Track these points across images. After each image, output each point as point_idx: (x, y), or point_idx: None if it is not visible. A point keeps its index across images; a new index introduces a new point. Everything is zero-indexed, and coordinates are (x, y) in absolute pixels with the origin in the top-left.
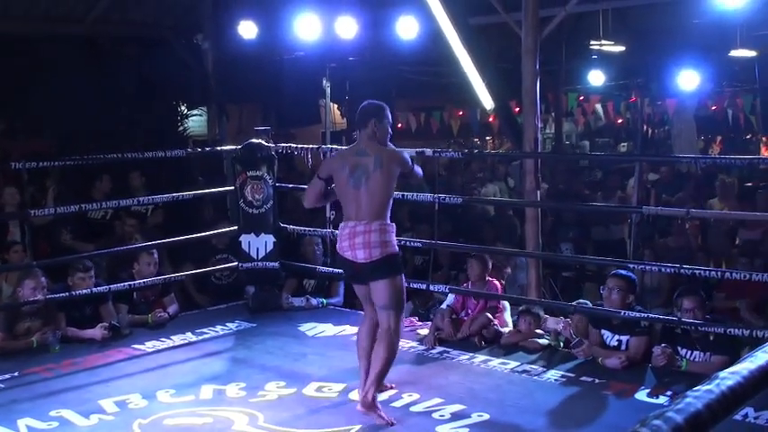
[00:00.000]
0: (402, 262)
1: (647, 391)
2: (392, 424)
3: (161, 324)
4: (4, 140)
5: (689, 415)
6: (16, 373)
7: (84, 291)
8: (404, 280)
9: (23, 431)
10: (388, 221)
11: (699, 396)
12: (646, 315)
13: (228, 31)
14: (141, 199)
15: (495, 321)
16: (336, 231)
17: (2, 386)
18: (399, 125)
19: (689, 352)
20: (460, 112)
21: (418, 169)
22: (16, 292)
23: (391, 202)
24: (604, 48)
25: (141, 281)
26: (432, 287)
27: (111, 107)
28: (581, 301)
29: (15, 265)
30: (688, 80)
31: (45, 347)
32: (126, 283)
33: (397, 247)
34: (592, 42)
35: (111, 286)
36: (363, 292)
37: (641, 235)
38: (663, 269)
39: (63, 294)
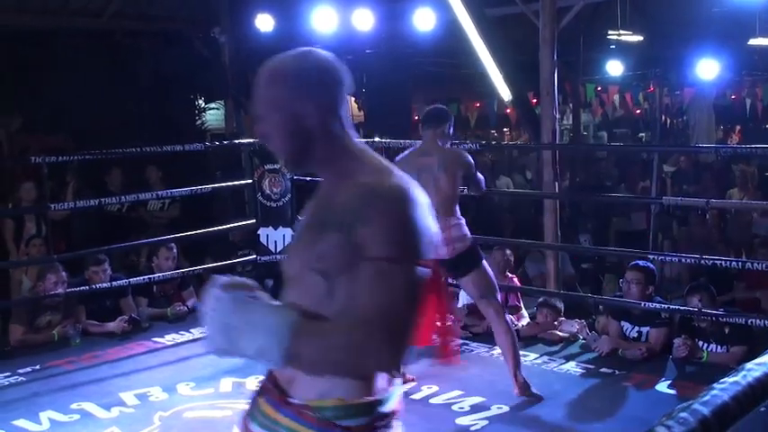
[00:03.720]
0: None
1: (668, 382)
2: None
3: (180, 317)
4: (23, 135)
5: (716, 407)
6: (38, 367)
7: (104, 284)
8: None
9: (46, 424)
10: (459, 216)
11: (725, 388)
12: (666, 306)
13: (245, 25)
14: (160, 192)
15: (517, 323)
16: None
17: (24, 379)
18: (416, 117)
19: (706, 344)
20: (477, 104)
21: (481, 178)
22: (37, 286)
23: (457, 199)
24: (622, 38)
25: (160, 274)
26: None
27: (129, 101)
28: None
29: (36, 259)
30: (707, 69)
31: (66, 341)
32: (145, 277)
33: (471, 238)
34: (610, 32)
35: (131, 280)
36: None
37: (661, 225)
38: (683, 260)
39: (83, 288)
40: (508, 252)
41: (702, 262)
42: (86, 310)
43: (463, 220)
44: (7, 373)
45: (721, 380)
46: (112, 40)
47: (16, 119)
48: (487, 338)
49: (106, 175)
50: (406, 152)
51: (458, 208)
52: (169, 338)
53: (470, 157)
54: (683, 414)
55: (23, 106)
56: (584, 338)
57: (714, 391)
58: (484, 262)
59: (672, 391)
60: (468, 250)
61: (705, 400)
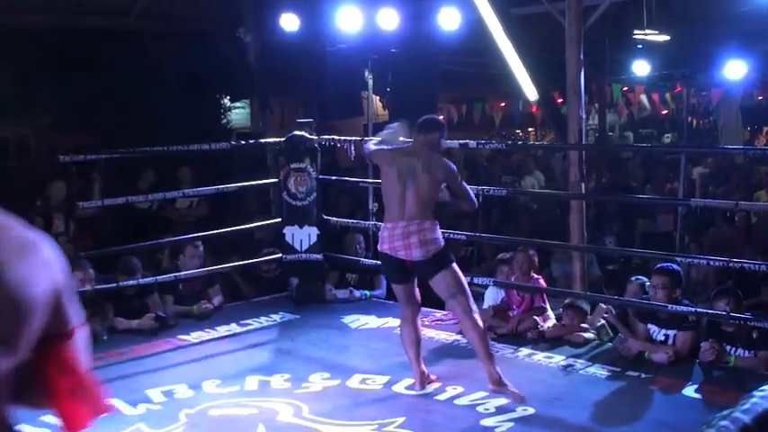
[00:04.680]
0: (449, 251)
1: (695, 386)
2: (523, 399)
3: (206, 315)
4: (50, 134)
5: (756, 415)
6: None
7: (131, 282)
8: (456, 267)
9: None
10: (434, 219)
11: (765, 396)
12: (693, 310)
13: (270, 24)
14: (186, 191)
15: (542, 324)
16: (380, 224)
17: None
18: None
19: (733, 349)
20: (502, 104)
21: (470, 193)
22: None
23: (434, 203)
24: (649, 37)
25: (187, 272)
26: (475, 280)
27: (155, 101)
28: (639, 276)
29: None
30: (734, 70)
31: (93, 337)
32: (172, 275)
33: (443, 241)
34: (636, 32)
35: (158, 278)
36: (406, 292)
37: (687, 227)
38: (711, 263)
39: (110, 285)
40: (531, 252)
41: (731, 265)
42: (114, 307)
43: (438, 225)
44: None
45: (761, 387)
46: (139, 40)
47: (44, 118)
48: (512, 340)
49: (141, 173)
50: (391, 147)
51: (431, 213)
52: (195, 336)
53: (454, 168)
54: (723, 422)
55: (51, 105)
56: (613, 323)
57: (754, 399)
58: (454, 264)
59: (699, 396)
60: (440, 252)
61: (746, 408)
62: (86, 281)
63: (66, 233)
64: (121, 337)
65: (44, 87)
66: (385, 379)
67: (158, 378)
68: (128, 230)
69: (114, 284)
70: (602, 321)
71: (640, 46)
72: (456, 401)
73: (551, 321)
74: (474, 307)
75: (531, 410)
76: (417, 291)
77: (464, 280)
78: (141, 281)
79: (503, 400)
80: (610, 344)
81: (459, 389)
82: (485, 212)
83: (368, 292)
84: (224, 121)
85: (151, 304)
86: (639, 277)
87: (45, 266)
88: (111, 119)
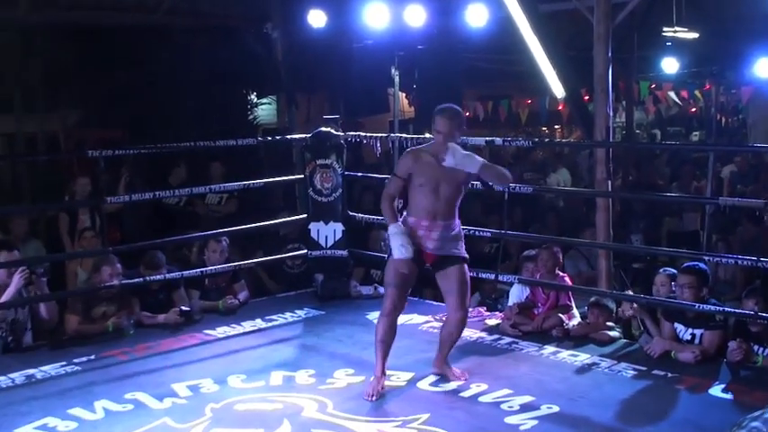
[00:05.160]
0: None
1: (722, 386)
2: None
3: (232, 310)
4: (79, 129)
5: None
6: (93, 356)
7: (158, 277)
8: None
9: (100, 413)
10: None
11: None
12: (720, 309)
13: (298, 20)
14: (213, 187)
15: (567, 322)
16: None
17: (79, 369)
18: (467, 114)
19: (761, 349)
20: (529, 101)
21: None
22: (92, 278)
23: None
24: (678, 35)
25: (212, 267)
26: (500, 277)
27: (183, 96)
28: (667, 268)
29: (92, 251)
30: (765, 68)
31: (120, 332)
32: (197, 270)
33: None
34: (665, 29)
35: (184, 273)
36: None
37: (715, 226)
38: (739, 262)
39: (137, 280)
40: (556, 249)
41: (759, 264)
42: (140, 301)
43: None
44: (63, 362)
45: None
46: (167, 36)
47: (73, 114)
48: (537, 337)
49: (173, 169)
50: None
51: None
52: (220, 331)
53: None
54: (754, 423)
55: (80, 101)
56: (640, 318)
57: None
58: (391, 261)
59: (726, 396)
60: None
61: None
62: (114, 275)
63: (92, 228)
64: (147, 331)
65: (73, 83)
66: (409, 375)
67: (184, 372)
68: (155, 226)
69: (141, 279)
70: (631, 311)
71: (669, 43)
72: (480, 399)
73: (576, 319)
74: (385, 309)
75: (555, 408)
76: (457, 285)
77: (391, 280)
78: (167, 276)
79: (527, 398)
80: (638, 343)
81: (484, 386)
82: (510, 209)
83: None
84: (250, 117)
85: (176, 299)
86: (668, 269)
87: None
88: (140, 115)
